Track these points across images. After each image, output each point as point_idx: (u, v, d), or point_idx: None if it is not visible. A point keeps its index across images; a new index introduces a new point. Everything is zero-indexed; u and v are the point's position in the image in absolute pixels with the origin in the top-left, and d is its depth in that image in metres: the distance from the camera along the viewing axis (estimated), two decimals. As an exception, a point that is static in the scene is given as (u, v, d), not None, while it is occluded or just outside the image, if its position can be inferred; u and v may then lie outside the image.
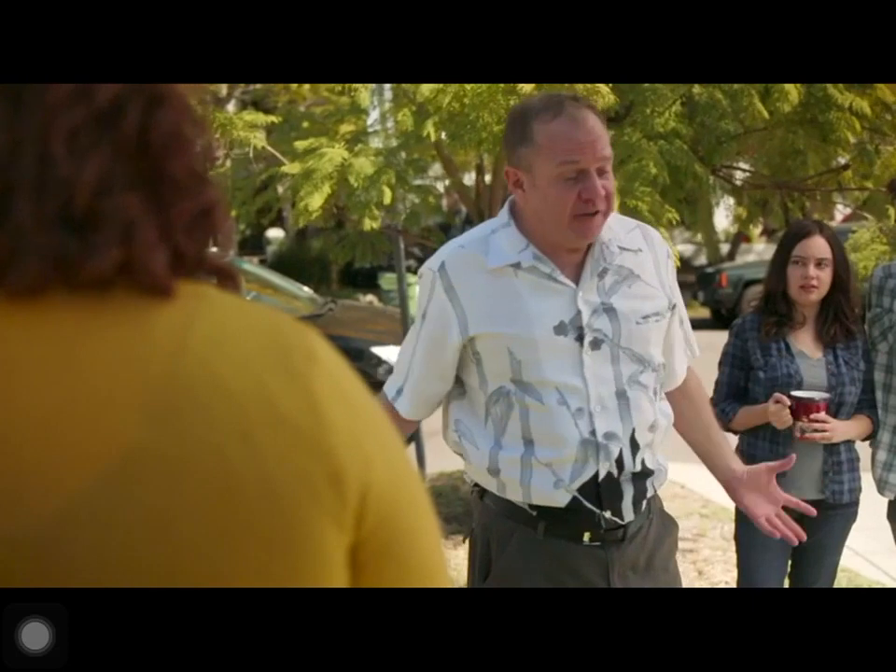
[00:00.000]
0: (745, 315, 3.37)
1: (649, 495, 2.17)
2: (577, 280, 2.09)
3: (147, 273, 0.70)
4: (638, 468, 2.13)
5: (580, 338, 2.08)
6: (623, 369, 2.11)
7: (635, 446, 2.12)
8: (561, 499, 2.11)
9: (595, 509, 2.11)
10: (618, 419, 2.10)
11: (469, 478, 2.26)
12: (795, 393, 3.08)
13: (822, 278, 3.18)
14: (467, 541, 2.30)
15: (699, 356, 2.40)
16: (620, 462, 2.10)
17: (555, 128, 1.99)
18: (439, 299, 2.12)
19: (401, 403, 2.25)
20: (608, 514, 2.11)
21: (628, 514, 2.13)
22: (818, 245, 3.19)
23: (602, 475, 2.09)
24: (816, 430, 3.07)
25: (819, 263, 3.18)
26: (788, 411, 3.05)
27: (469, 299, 2.09)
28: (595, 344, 2.08)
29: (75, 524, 0.66)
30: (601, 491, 2.10)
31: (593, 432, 2.08)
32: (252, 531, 0.69)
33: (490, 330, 2.08)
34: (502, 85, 3.73)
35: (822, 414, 3.07)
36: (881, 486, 3.23)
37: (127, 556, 0.67)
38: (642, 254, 2.15)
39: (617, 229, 2.15)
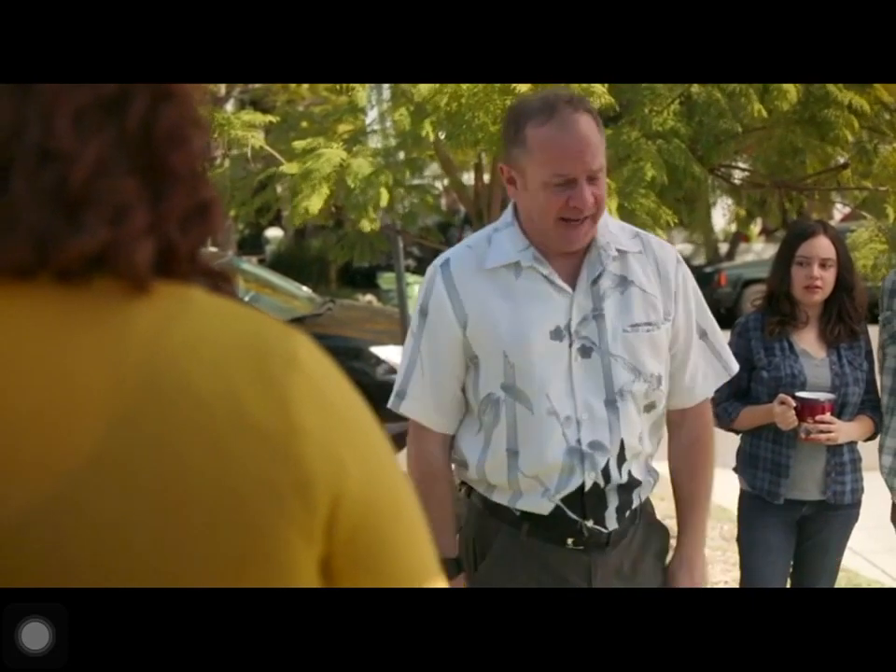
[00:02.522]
0: (748, 315, 3.36)
1: (634, 506, 2.15)
2: (573, 285, 2.08)
3: (129, 263, 0.70)
4: (625, 479, 2.10)
5: (571, 345, 2.07)
6: (616, 377, 2.07)
7: (622, 458, 2.09)
8: (545, 508, 2.10)
9: (577, 518, 2.09)
10: (606, 429, 2.07)
11: (461, 476, 2.25)
12: (800, 394, 3.08)
13: (826, 279, 3.17)
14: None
15: (736, 370, 2.31)
16: (606, 473, 2.08)
17: (546, 134, 1.98)
18: (438, 295, 2.11)
19: (407, 406, 2.17)
20: (590, 524, 2.10)
21: (611, 523, 2.12)
22: (822, 246, 3.18)
23: (588, 486, 2.07)
24: (821, 432, 3.06)
25: (823, 264, 3.17)
26: (793, 412, 3.05)
27: (469, 298, 2.09)
28: (585, 352, 2.06)
29: (37, 524, 0.66)
30: (585, 501, 2.09)
31: (578, 441, 2.05)
32: (213, 539, 0.68)
33: (486, 330, 2.08)
34: (498, 85, 3.72)
35: (827, 416, 3.06)
36: (890, 490, 3.22)
37: (84, 562, 0.66)
38: (641, 258, 2.13)
39: (617, 232, 2.14)
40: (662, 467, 2.23)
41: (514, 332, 2.05)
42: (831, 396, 3.11)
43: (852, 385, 3.18)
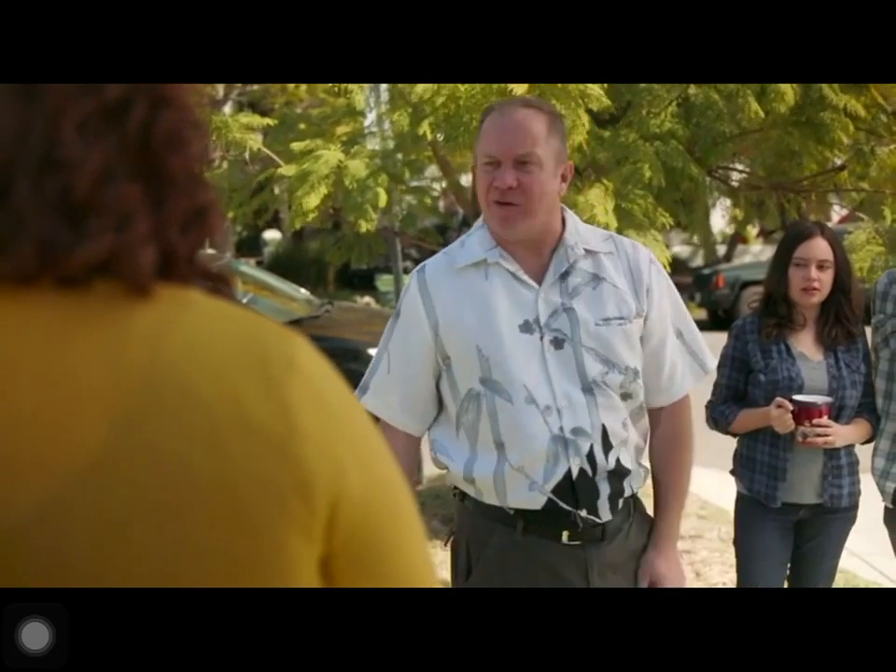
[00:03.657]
0: (745, 317, 3.34)
1: (626, 494, 2.19)
2: (540, 281, 2.16)
3: (133, 269, 0.70)
4: (612, 465, 2.14)
5: (543, 337, 2.13)
6: (589, 368, 2.13)
7: (607, 444, 2.14)
8: (536, 502, 2.13)
9: (570, 509, 2.12)
10: (586, 415, 2.12)
11: (451, 482, 2.28)
12: (797, 397, 3.07)
13: (824, 280, 3.16)
14: (448, 546, 2.31)
15: (712, 369, 2.37)
16: (592, 459, 2.12)
17: (488, 121, 2.16)
18: (412, 297, 2.20)
19: (367, 399, 2.25)
20: (583, 513, 2.13)
21: (605, 513, 2.15)
22: (820, 247, 3.17)
23: (575, 473, 2.11)
24: (818, 435, 3.05)
25: (820, 265, 3.16)
26: (790, 415, 3.04)
27: (440, 297, 2.17)
28: (557, 344, 2.13)
29: (38, 526, 0.66)
30: (577, 490, 2.12)
31: (561, 428, 2.10)
32: (214, 539, 0.69)
33: (458, 327, 2.15)
34: (495, 87, 3.73)
35: (825, 419, 3.05)
36: (881, 493, 3.22)
37: (85, 562, 0.67)
38: (613, 257, 2.21)
39: (587, 234, 2.23)
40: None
41: (485, 326, 2.13)
42: (828, 399, 3.10)
43: (849, 388, 3.17)
